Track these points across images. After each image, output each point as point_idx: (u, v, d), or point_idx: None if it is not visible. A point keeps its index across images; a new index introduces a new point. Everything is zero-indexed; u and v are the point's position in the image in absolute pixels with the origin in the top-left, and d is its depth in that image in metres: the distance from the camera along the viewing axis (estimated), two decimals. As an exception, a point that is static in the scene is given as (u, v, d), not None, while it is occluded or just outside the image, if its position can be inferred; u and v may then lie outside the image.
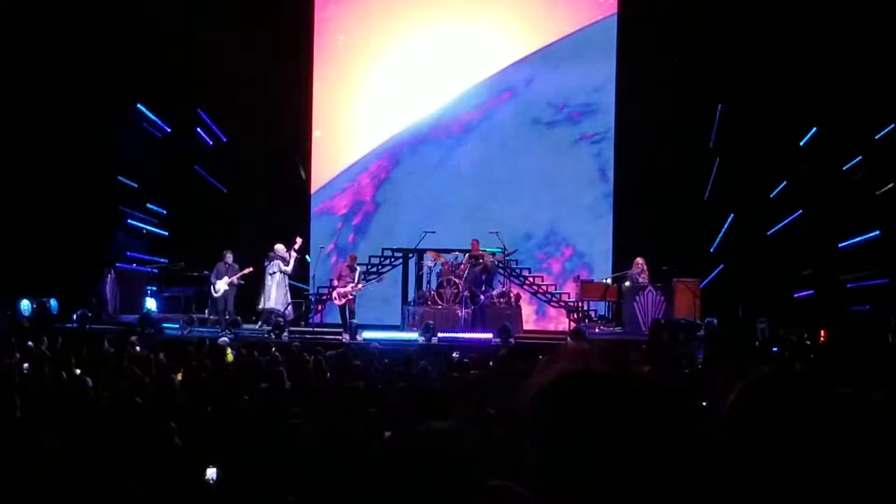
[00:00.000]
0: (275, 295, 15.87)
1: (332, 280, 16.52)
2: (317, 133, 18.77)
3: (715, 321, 14.64)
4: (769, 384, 1.24)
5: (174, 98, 17.48)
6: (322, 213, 18.84)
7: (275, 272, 15.90)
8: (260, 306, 16.04)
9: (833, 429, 1.17)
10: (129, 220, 17.40)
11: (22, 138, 16.78)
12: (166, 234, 17.82)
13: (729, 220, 16.89)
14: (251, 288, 16.29)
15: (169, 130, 17.74)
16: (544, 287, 17.34)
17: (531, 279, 17.30)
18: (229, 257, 16.13)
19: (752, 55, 16.34)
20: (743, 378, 1.27)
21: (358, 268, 16.27)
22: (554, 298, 17.28)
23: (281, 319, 15.22)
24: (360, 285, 16.08)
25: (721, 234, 16.98)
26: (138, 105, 17.38)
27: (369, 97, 18.74)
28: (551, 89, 18.36)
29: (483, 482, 1.83)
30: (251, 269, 16.06)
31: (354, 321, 15.25)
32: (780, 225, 16.50)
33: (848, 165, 16.14)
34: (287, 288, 16.13)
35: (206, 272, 16.43)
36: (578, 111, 18.39)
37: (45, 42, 16.69)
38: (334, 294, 16.04)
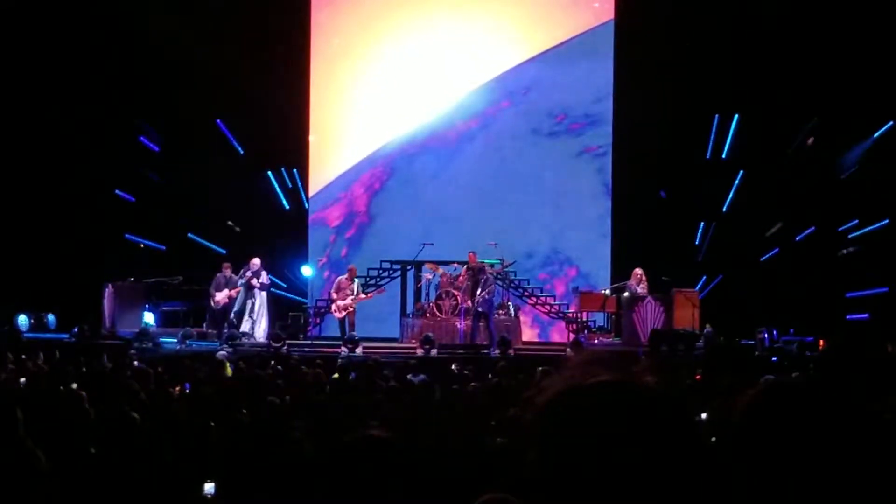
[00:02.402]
0: (252, 311, 15.72)
1: (329, 293, 16.46)
2: (312, 138, 18.66)
3: (712, 331, 14.64)
4: (778, 395, 1.23)
5: (173, 108, 17.44)
6: (315, 224, 18.66)
7: (255, 286, 15.71)
8: (246, 327, 15.71)
9: (855, 441, 1.16)
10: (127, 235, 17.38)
11: (20, 154, 16.78)
12: (163, 248, 17.76)
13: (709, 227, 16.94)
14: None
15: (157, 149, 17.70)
16: (543, 298, 17.26)
17: (529, 290, 17.20)
18: (228, 270, 16.07)
19: (751, 62, 16.35)
20: (748, 388, 1.26)
21: (357, 279, 16.22)
22: (552, 309, 17.18)
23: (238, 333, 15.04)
24: (361, 296, 16.04)
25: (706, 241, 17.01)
26: (141, 118, 17.40)
27: (364, 103, 18.52)
28: (550, 99, 18.13)
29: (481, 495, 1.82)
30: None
31: (354, 334, 15.19)
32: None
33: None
34: (262, 304, 15.84)
35: (204, 286, 16.38)
36: (579, 122, 18.14)
37: (42, 55, 16.69)
38: (334, 307, 15.99)
